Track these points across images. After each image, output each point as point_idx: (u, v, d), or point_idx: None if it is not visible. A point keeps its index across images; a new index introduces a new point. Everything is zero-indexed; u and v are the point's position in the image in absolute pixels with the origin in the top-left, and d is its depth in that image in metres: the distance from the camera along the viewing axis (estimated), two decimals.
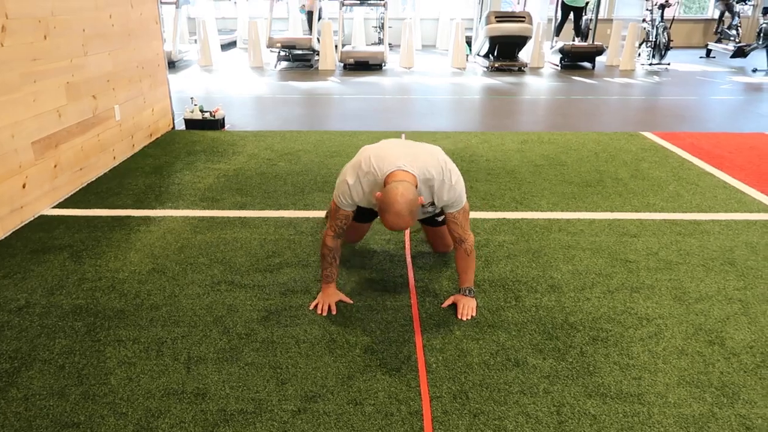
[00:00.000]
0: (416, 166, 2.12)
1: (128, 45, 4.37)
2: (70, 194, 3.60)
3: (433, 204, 2.26)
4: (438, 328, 2.21)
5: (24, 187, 3.15)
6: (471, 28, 10.86)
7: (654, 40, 9.74)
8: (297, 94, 7.30)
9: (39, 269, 2.67)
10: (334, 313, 2.31)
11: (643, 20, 10.10)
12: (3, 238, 2.98)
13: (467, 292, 2.34)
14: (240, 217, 3.27)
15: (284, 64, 9.86)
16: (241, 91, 7.48)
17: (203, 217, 3.28)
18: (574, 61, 9.73)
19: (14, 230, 3.07)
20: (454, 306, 2.35)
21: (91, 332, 2.19)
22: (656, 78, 8.75)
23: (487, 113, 6.27)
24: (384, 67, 9.60)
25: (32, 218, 3.23)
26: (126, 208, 3.42)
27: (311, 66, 9.69)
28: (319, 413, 1.78)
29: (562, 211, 3.38)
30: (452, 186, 2.18)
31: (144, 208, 3.41)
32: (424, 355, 2.05)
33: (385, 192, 2.00)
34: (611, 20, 11.45)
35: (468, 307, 2.31)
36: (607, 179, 3.93)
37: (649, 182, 3.86)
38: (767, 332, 2.18)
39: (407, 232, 3.07)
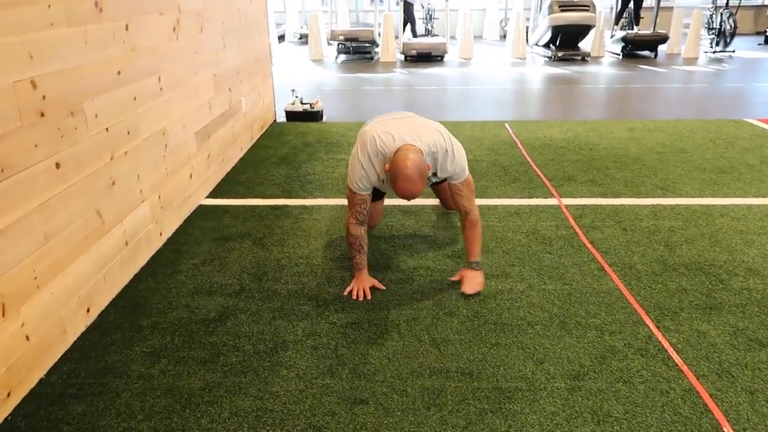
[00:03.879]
0: (422, 139, 2.22)
1: (249, 38, 4.44)
2: (216, 184, 3.67)
3: (435, 175, 2.36)
4: (661, 310, 2.25)
5: (191, 177, 3.23)
6: (527, 18, 10.81)
7: (719, 27, 9.63)
8: (371, 85, 7.34)
9: (232, 256, 2.74)
10: (369, 298, 2.36)
11: (707, 8, 9.97)
12: (179, 226, 3.06)
13: (474, 265, 2.42)
14: (396, 206, 3.32)
15: (344, 56, 9.90)
16: (313, 83, 7.53)
17: None
18: (636, 49, 9.66)
19: (185, 219, 3.15)
20: (661, 288, 2.38)
21: (322, 315, 2.25)
22: (725, 65, 8.66)
23: (573, 102, 6.26)
24: (444, 59, 9.60)
25: (195, 207, 3.30)
26: (276, 197, 3.48)
27: (371, 58, 9.72)
28: (593, 391, 1.82)
29: (712, 197, 3.39)
30: (455, 158, 2.29)
31: (294, 198, 3.47)
32: (664, 336, 2.08)
33: (394, 160, 2.10)
34: (671, 8, 11.33)
35: (473, 282, 2.38)
36: (739, 165, 3.92)
37: None
38: None
39: (570, 217, 3.10)
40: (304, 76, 8.05)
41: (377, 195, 2.70)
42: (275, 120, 5.37)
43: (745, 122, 5.09)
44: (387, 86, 7.29)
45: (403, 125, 2.28)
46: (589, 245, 2.80)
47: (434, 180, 2.45)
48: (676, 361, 1.95)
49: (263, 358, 2.00)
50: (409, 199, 2.15)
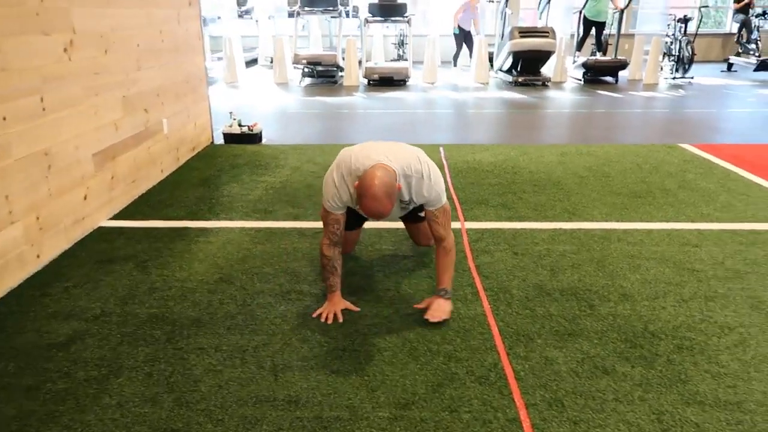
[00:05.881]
0: (396, 161, 2.17)
1: (175, 60, 4.44)
2: (125, 206, 3.63)
3: (411, 201, 2.30)
4: (518, 336, 2.20)
5: (85, 198, 3.18)
6: (492, 44, 10.93)
7: (677, 54, 9.76)
8: (326, 109, 7.36)
9: (108, 279, 2.69)
10: (340, 321, 2.31)
11: (666, 35, 10.13)
12: (68, 248, 3.01)
13: (443, 293, 2.34)
14: (296, 228, 3.28)
15: (308, 80, 9.95)
16: (271, 106, 7.55)
17: (259, 228, 3.30)
18: (597, 75, 9.75)
19: (77, 241, 3.10)
20: (527, 314, 2.34)
21: (172, 340, 2.19)
22: (682, 91, 8.75)
23: (519, 127, 6.29)
24: (407, 83, 9.67)
25: (92, 229, 3.26)
26: (181, 219, 3.45)
27: (335, 82, 9.78)
28: (416, 420, 1.77)
29: (617, 221, 3.37)
30: (431, 184, 2.23)
31: (199, 220, 3.43)
32: (510, 363, 2.04)
33: (362, 177, 2.04)
34: (631, 35, 11.50)
35: (439, 310, 2.30)
36: (656, 190, 3.91)
37: (698, 193, 3.84)
38: None
39: (466, 242, 3.07)
40: (264, 99, 8.08)
41: (355, 223, 2.66)
42: (212, 142, 5.36)
43: (678, 147, 5.11)
44: (341, 109, 7.31)
45: (382, 147, 2.25)
46: (473, 269, 2.76)
47: (411, 206, 2.39)
48: (513, 389, 1.90)
49: (91, 385, 1.94)
50: (377, 219, 2.09)
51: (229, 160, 4.75)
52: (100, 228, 3.30)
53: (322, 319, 2.32)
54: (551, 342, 2.16)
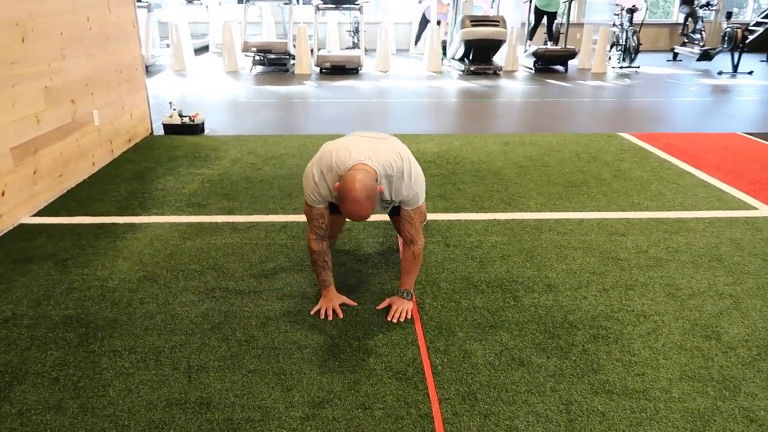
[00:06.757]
0: (378, 160, 2.11)
1: (106, 49, 4.27)
2: (49, 202, 3.49)
3: (392, 201, 2.25)
4: (440, 330, 2.21)
5: (3, 194, 3.04)
6: (446, 32, 10.94)
7: (624, 43, 9.96)
8: (275, 98, 7.24)
9: (23, 279, 2.58)
10: (340, 316, 2.28)
11: (613, 24, 10.33)
12: None
13: (404, 294, 2.33)
14: (229, 223, 3.22)
15: (259, 68, 9.77)
16: (218, 95, 7.38)
17: (191, 223, 3.22)
18: (548, 64, 9.87)
19: None
20: (452, 307, 2.35)
21: (84, 343, 2.12)
22: (627, 81, 8.94)
23: (466, 116, 6.32)
24: (360, 71, 9.60)
25: (12, 227, 3.12)
26: (109, 215, 3.33)
27: (287, 70, 9.63)
28: (328, 419, 1.75)
29: (551, 211, 3.41)
30: (411, 184, 2.17)
31: (128, 215, 3.32)
32: (429, 357, 2.04)
33: (343, 180, 2.00)
34: (582, 24, 11.68)
35: (400, 310, 2.30)
36: (591, 179, 3.99)
37: (631, 182, 3.93)
38: (760, 326, 2.23)
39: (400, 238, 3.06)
40: (211, 87, 7.89)
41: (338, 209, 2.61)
42: (151, 133, 5.20)
43: (618, 136, 5.22)
44: (291, 99, 7.20)
45: (365, 143, 2.17)
46: None
47: (392, 205, 2.31)
48: (428, 384, 1.90)
49: None
50: (357, 221, 2.04)
51: (167, 152, 4.62)
52: (21, 225, 3.16)
53: (321, 316, 2.28)
54: (472, 335, 2.17)
